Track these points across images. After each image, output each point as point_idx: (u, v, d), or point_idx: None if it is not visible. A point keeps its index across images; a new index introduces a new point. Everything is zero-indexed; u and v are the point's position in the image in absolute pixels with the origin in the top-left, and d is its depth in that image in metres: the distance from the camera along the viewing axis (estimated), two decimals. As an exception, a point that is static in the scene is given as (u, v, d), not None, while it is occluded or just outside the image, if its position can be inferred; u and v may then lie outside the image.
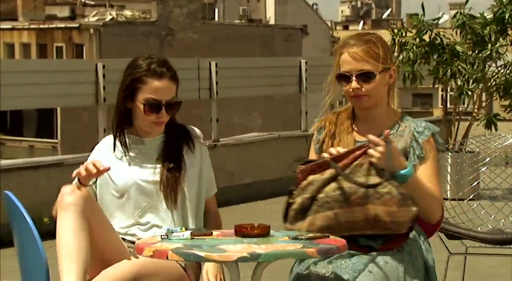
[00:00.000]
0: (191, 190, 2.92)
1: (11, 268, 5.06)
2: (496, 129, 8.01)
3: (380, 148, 2.59)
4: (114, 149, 2.93)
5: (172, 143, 2.93)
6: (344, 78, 2.77)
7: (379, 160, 2.60)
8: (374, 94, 2.76)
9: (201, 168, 2.96)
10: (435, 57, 7.94)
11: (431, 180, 2.74)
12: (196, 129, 3.01)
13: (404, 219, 2.60)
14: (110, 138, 2.98)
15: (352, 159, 2.64)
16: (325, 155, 2.66)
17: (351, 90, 2.75)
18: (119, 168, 2.90)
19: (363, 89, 2.74)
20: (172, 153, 2.92)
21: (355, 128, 2.82)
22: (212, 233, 2.64)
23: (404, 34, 8.08)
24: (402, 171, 2.63)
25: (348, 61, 2.76)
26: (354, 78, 2.74)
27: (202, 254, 2.42)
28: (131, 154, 2.92)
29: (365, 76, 2.74)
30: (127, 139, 2.93)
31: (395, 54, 8.01)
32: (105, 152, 2.96)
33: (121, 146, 2.93)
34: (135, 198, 2.89)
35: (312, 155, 2.86)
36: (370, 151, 2.61)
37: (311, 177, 2.65)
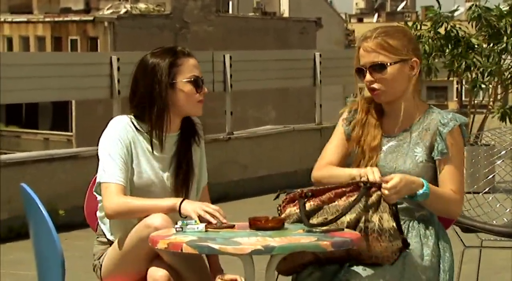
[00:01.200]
0: (195, 184, 2.93)
1: (27, 260, 5.09)
2: (511, 122, 7.96)
3: (386, 189, 2.57)
4: (152, 150, 2.85)
5: (187, 141, 2.91)
6: (360, 72, 2.78)
7: (391, 198, 2.58)
8: (388, 87, 2.73)
9: (200, 160, 2.97)
10: (450, 50, 7.90)
11: (453, 177, 2.72)
12: (196, 118, 2.99)
13: (387, 253, 2.58)
14: (126, 119, 2.86)
15: (339, 193, 2.62)
16: (305, 189, 2.66)
17: (367, 83, 2.76)
18: (144, 163, 2.85)
19: (376, 82, 2.73)
20: (186, 153, 2.90)
21: (384, 122, 2.80)
22: (233, 225, 2.64)
23: (419, 27, 8.05)
24: (420, 192, 2.62)
25: (362, 55, 2.77)
26: (367, 70, 2.74)
27: (216, 246, 2.43)
28: (152, 150, 2.87)
29: (377, 68, 2.73)
30: (154, 135, 2.85)
31: None
32: (132, 135, 2.84)
33: (158, 143, 2.85)
34: (146, 196, 2.84)
35: (340, 138, 2.83)
36: (384, 191, 2.58)
37: (288, 210, 2.66)
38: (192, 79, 2.85)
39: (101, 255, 2.91)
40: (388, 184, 2.58)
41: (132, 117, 2.89)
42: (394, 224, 2.57)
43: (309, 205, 2.63)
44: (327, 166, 2.78)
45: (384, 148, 2.77)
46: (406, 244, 2.61)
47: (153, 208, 2.73)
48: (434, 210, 2.73)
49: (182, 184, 2.87)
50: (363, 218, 2.57)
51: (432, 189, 2.66)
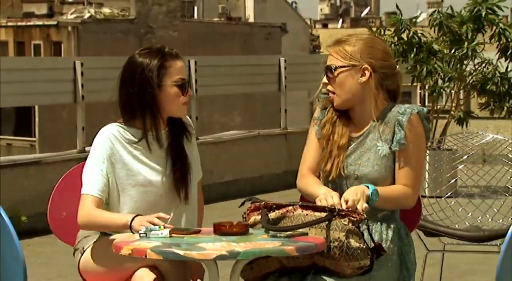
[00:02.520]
0: (194, 179, 2.95)
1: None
2: (467, 126, 8.09)
3: (350, 207, 2.61)
4: (150, 150, 2.85)
5: (176, 137, 2.93)
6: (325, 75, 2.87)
7: (360, 207, 2.62)
8: (338, 90, 2.80)
9: (193, 155, 2.98)
10: (412, 56, 7.99)
11: (408, 171, 2.74)
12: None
13: (352, 270, 2.60)
14: (114, 129, 2.88)
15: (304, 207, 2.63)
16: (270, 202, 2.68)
17: (323, 85, 2.86)
18: (134, 165, 2.85)
19: (330, 84, 2.82)
20: (179, 149, 2.92)
21: (350, 123, 2.85)
22: (199, 230, 2.64)
23: (382, 33, 8.12)
24: (370, 200, 2.66)
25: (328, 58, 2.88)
26: (324, 72, 2.84)
27: (181, 252, 2.42)
28: (145, 150, 2.88)
29: (328, 70, 2.83)
30: (147, 135, 2.87)
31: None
32: (119, 146, 2.86)
33: (148, 142, 2.86)
34: (149, 197, 2.86)
35: (313, 141, 2.87)
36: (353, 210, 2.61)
37: (252, 218, 2.67)
38: (180, 82, 2.88)
39: (83, 238, 2.89)
40: (348, 203, 2.61)
41: (120, 123, 2.88)
42: (362, 245, 2.58)
43: (274, 214, 2.64)
44: (307, 177, 2.82)
45: (350, 147, 2.81)
46: (378, 255, 2.63)
47: (111, 225, 2.78)
48: (386, 207, 2.78)
49: (181, 180, 2.88)
50: (331, 238, 2.57)
51: (381, 192, 2.69)
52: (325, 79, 2.84)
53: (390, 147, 2.77)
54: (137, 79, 2.85)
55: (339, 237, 2.56)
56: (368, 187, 2.67)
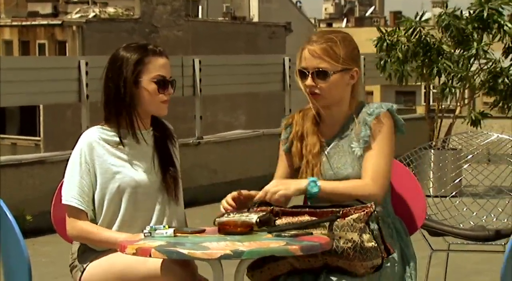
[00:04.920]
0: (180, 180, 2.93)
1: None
2: (481, 127, 8.06)
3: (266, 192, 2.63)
4: (121, 145, 2.82)
5: (162, 137, 2.90)
6: (301, 74, 2.77)
7: (273, 196, 2.62)
8: (328, 94, 2.74)
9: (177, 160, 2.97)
10: (422, 56, 8.00)
11: (370, 164, 2.69)
12: (168, 124, 2.98)
13: (365, 269, 2.59)
14: (95, 133, 2.85)
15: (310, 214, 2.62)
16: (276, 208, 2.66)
17: (306, 86, 2.75)
18: (120, 167, 2.83)
19: (318, 87, 2.73)
20: (165, 149, 2.90)
21: (321, 127, 2.81)
22: (203, 230, 2.64)
23: (394, 34, 8.13)
24: (309, 192, 2.63)
25: (306, 57, 2.76)
26: (309, 75, 2.74)
27: (185, 251, 2.42)
28: (130, 150, 2.85)
29: (321, 74, 2.73)
30: (127, 134, 2.84)
31: (383, 53, 8.05)
32: (101, 150, 2.83)
33: (122, 142, 2.83)
34: (138, 198, 2.84)
35: (282, 156, 2.86)
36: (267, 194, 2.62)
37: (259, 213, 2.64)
38: (156, 79, 2.82)
39: (81, 254, 2.87)
40: (260, 194, 2.64)
41: (101, 126, 2.86)
42: (374, 244, 2.57)
43: (280, 221, 2.62)
44: None
45: (326, 152, 2.78)
46: (388, 253, 2.62)
47: (102, 243, 2.77)
48: (337, 199, 2.69)
49: (170, 180, 2.87)
50: (344, 239, 2.56)
51: (326, 184, 2.65)
52: (310, 81, 2.73)
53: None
54: (114, 74, 2.82)
55: (352, 238, 2.55)
56: (308, 179, 2.64)
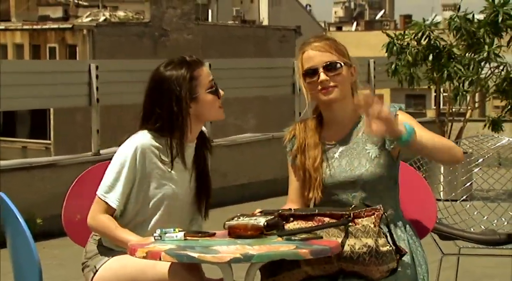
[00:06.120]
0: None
1: (5, 270, 5.05)
2: (502, 130, 8.05)
3: (384, 111, 2.47)
4: (172, 164, 2.83)
5: (201, 151, 2.93)
6: (311, 73, 2.75)
7: (388, 124, 2.48)
8: (342, 85, 2.74)
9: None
10: (432, 59, 7.98)
11: (423, 132, 2.66)
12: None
13: (381, 273, 2.59)
14: (148, 139, 2.82)
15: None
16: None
17: (319, 83, 2.73)
18: (166, 178, 2.84)
19: (331, 81, 2.73)
20: (204, 165, 2.93)
21: (324, 134, 2.81)
22: (213, 233, 2.64)
23: (403, 37, 8.12)
24: (404, 134, 2.55)
25: (312, 56, 2.75)
26: (321, 70, 2.73)
27: (195, 255, 2.42)
28: (175, 164, 2.85)
29: (332, 67, 2.73)
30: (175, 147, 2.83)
31: (394, 56, 8.06)
32: (153, 157, 2.83)
33: (177, 154, 2.83)
34: (173, 211, 2.85)
35: (290, 169, 2.86)
36: (373, 120, 2.48)
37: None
38: (210, 89, 2.85)
39: (94, 255, 2.88)
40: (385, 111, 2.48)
41: (150, 133, 2.84)
42: (389, 247, 2.57)
43: (292, 224, 2.61)
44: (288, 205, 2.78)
45: (336, 155, 2.78)
46: (401, 255, 2.62)
47: (118, 242, 2.77)
48: (432, 154, 2.64)
49: (204, 196, 2.90)
50: (360, 244, 2.56)
51: (419, 131, 2.60)
52: (324, 76, 2.71)
53: (381, 148, 2.73)
54: (166, 96, 2.80)
55: (367, 243, 2.54)
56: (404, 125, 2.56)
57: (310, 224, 2.60)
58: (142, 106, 2.87)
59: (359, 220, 2.57)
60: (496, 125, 8.08)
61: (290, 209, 2.68)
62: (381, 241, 2.56)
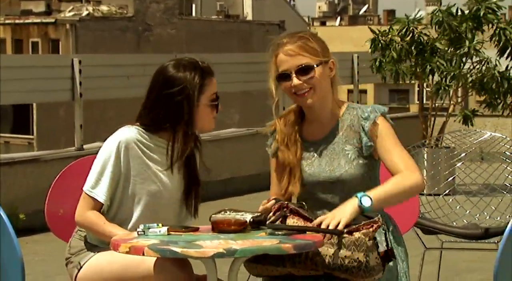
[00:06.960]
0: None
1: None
2: (472, 125, 8.08)
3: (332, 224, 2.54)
4: (172, 164, 2.84)
5: (192, 151, 2.93)
6: (284, 77, 2.75)
7: (338, 224, 2.54)
8: (318, 88, 2.72)
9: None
10: (416, 55, 8.00)
11: (393, 152, 2.69)
12: None
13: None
14: (134, 133, 2.82)
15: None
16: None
17: (293, 87, 2.73)
18: (152, 174, 2.83)
19: (304, 84, 2.71)
20: (194, 164, 2.94)
21: (304, 130, 2.80)
22: (197, 228, 2.64)
23: (387, 33, 8.13)
24: (364, 207, 2.58)
25: (284, 60, 2.74)
26: (293, 74, 2.72)
27: (178, 250, 2.42)
28: (163, 161, 2.85)
29: (304, 70, 2.71)
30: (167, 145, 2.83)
31: (378, 52, 8.07)
32: (138, 152, 2.82)
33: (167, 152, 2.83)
34: (159, 209, 2.84)
35: (271, 163, 2.86)
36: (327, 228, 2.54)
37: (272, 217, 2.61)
38: (213, 99, 2.87)
39: (79, 251, 2.86)
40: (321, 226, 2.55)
41: (141, 128, 2.84)
42: (378, 260, 2.57)
43: (292, 221, 2.60)
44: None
45: (316, 154, 2.77)
46: (389, 260, 2.62)
47: (107, 238, 2.74)
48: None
49: (193, 195, 2.91)
50: (350, 259, 2.54)
51: (374, 193, 2.62)
52: (296, 81, 2.70)
53: (360, 151, 2.73)
54: (176, 95, 2.80)
55: (358, 258, 2.53)
56: (357, 196, 2.59)
57: (308, 224, 2.59)
58: (144, 101, 2.85)
59: (355, 232, 2.56)
60: (467, 119, 8.14)
61: (301, 204, 2.66)
62: (372, 255, 2.55)
